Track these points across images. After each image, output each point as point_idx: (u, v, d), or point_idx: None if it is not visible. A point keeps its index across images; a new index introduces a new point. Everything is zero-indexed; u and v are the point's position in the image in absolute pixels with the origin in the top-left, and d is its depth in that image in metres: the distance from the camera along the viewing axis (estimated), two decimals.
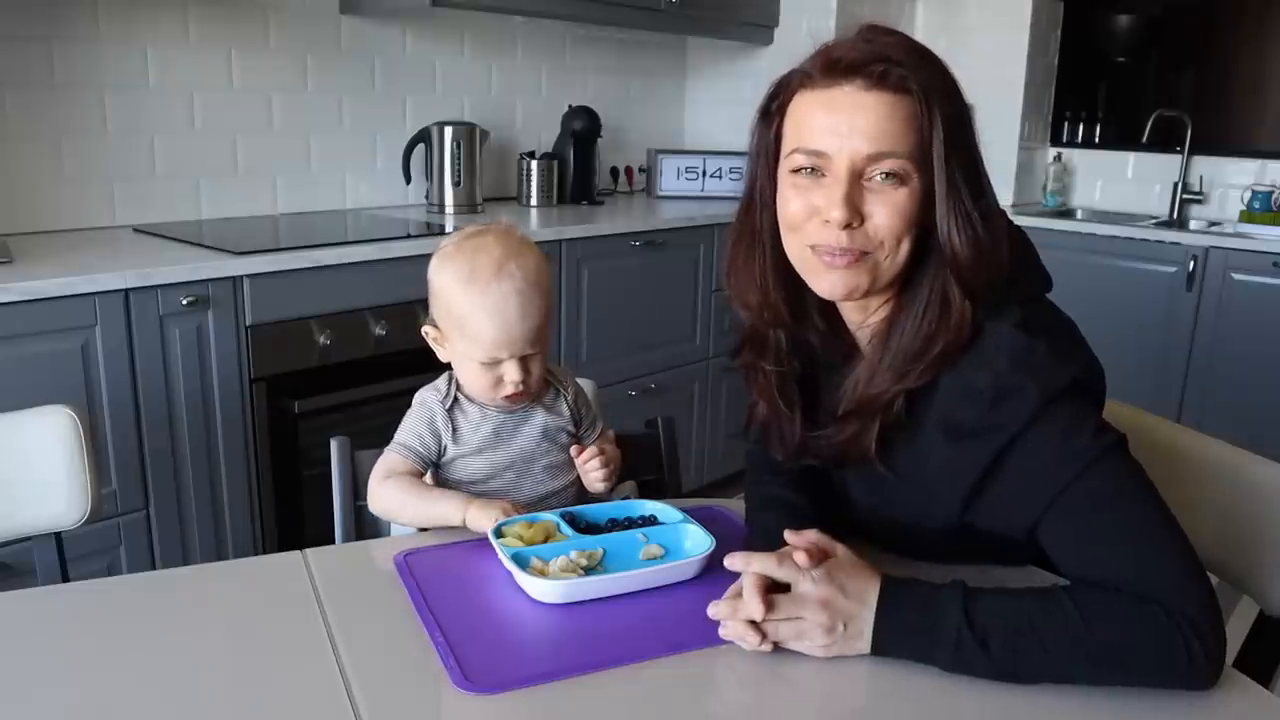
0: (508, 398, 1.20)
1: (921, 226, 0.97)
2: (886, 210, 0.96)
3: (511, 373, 1.18)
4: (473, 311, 1.17)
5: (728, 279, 1.11)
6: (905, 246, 0.97)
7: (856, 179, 0.95)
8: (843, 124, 0.95)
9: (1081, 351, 0.99)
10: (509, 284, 1.15)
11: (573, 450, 1.24)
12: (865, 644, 0.90)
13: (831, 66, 0.96)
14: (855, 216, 0.95)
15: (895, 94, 0.94)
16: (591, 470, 1.23)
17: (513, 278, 1.16)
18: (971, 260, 0.96)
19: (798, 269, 1.03)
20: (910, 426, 1.01)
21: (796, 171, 0.99)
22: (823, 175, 0.97)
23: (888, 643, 0.90)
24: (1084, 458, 0.92)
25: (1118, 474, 0.93)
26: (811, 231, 0.99)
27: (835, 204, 0.95)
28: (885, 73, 0.94)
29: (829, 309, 1.08)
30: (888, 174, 0.95)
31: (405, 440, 1.22)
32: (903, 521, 1.05)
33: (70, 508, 1.31)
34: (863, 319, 1.06)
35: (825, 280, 1.00)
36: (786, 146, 1.00)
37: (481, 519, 1.12)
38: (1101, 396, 1.01)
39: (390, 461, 1.22)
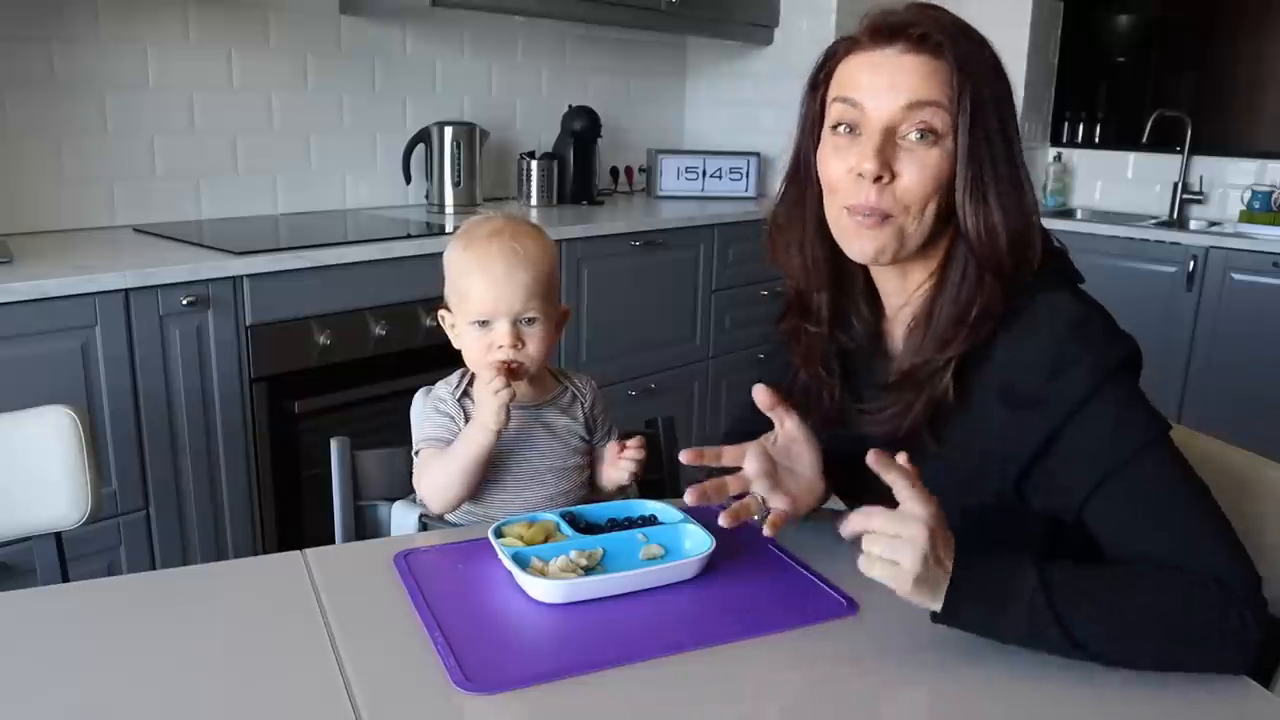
0: (499, 366, 1.18)
1: (952, 197, 1.00)
2: (916, 169, 0.99)
3: (501, 332, 1.19)
4: (465, 271, 1.21)
5: (770, 241, 1.14)
6: (930, 211, 1.00)
7: (890, 136, 0.99)
8: (881, 81, 0.99)
9: (1127, 334, 1.00)
10: (498, 242, 1.20)
11: (632, 441, 1.26)
12: (937, 598, 0.88)
13: (875, 31, 1.01)
14: (886, 170, 0.98)
15: (933, 58, 0.98)
16: (623, 463, 1.24)
17: (502, 237, 1.21)
18: (982, 237, 0.99)
19: (835, 234, 1.07)
20: (963, 398, 1.02)
21: (836, 128, 1.03)
22: (859, 134, 1.01)
23: (960, 600, 0.87)
24: (1137, 440, 0.95)
25: (1168, 459, 0.96)
26: (846, 191, 1.02)
27: (868, 156, 0.98)
28: (924, 36, 0.99)
29: (872, 296, 1.12)
30: (922, 132, 0.98)
31: (426, 434, 1.24)
32: (949, 504, 0.99)
33: (70, 508, 1.31)
34: (903, 299, 1.09)
35: (855, 243, 1.03)
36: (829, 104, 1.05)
37: (484, 407, 1.17)
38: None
39: (423, 458, 1.24)
